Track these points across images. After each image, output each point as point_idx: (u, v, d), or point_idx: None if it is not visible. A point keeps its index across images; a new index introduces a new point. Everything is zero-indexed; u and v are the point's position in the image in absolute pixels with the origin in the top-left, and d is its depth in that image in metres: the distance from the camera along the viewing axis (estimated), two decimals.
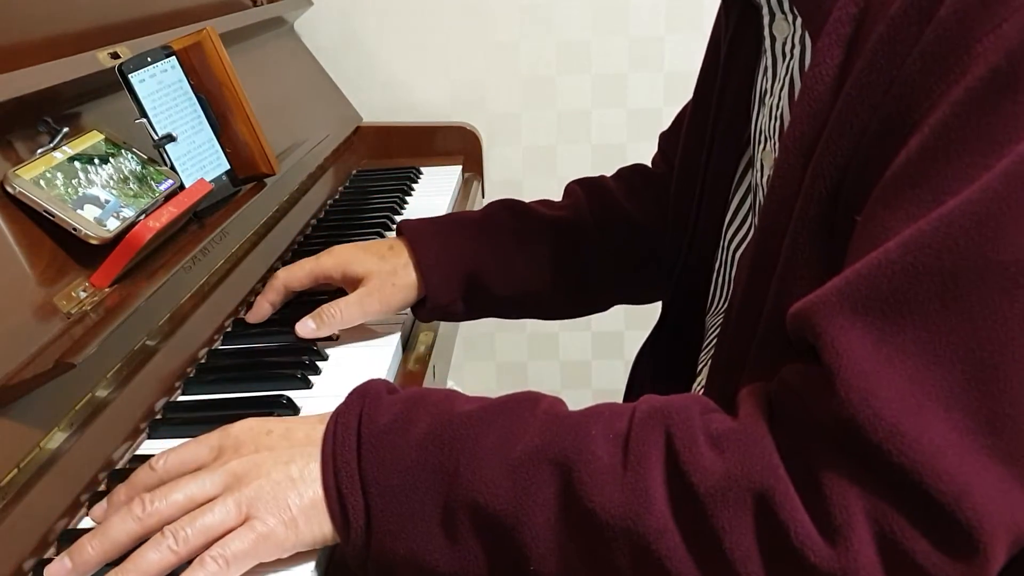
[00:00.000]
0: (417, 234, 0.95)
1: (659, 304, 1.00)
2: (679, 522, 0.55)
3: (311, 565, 0.61)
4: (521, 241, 0.97)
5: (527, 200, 1.03)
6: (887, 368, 0.52)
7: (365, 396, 0.63)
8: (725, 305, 0.83)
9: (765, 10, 0.73)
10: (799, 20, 0.68)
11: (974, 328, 0.50)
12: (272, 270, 1.09)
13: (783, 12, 0.70)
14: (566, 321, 1.05)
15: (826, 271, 0.57)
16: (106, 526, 0.60)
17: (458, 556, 0.59)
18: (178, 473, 0.63)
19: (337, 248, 0.96)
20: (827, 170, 0.58)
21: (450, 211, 1.39)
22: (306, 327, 0.90)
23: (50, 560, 0.62)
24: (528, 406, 0.61)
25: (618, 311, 1.87)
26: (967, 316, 0.50)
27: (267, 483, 0.60)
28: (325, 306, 0.91)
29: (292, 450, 0.61)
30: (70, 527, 0.67)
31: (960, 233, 0.50)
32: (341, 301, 0.92)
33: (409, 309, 0.96)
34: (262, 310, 0.96)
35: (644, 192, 1.03)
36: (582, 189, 1.04)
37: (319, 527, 0.60)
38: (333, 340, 0.92)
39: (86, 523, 0.67)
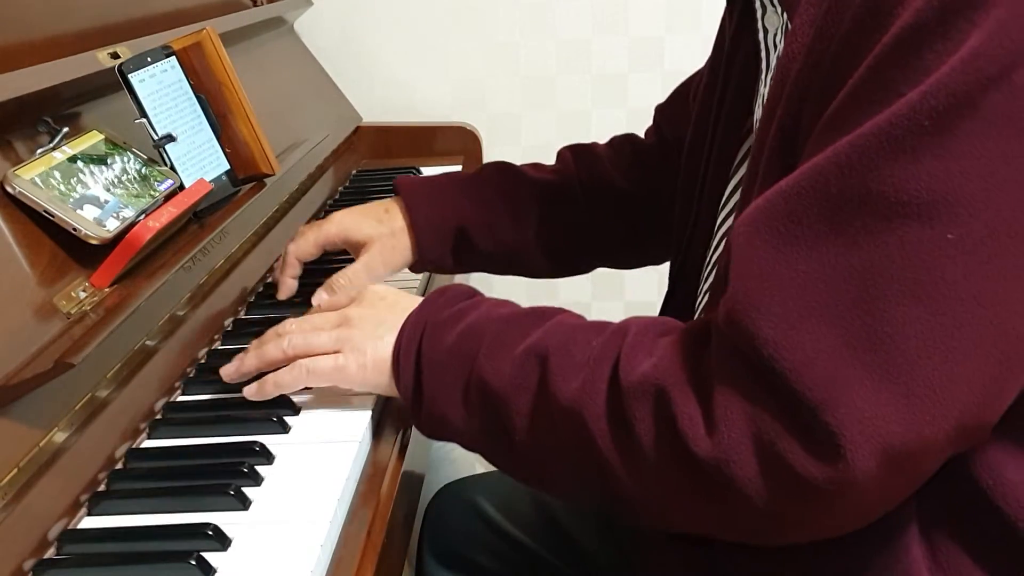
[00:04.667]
0: (411, 194, 1.03)
1: (659, 295, 1.00)
2: (609, 411, 0.64)
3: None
4: (508, 201, 1.05)
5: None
6: (776, 282, 0.57)
7: (444, 294, 0.78)
8: (709, 283, 0.84)
9: (757, 3, 0.75)
10: (785, 12, 0.71)
11: (858, 251, 0.55)
12: (272, 271, 1.09)
13: (772, 5, 0.73)
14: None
15: None
16: (263, 349, 0.80)
17: (470, 422, 0.72)
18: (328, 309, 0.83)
19: (337, 215, 1.03)
20: (780, 131, 0.63)
21: None
22: (319, 297, 0.97)
23: (50, 560, 0.63)
24: (548, 315, 0.73)
25: (618, 304, 1.89)
26: (851, 240, 0.55)
27: (360, 332, 0.78)
28: (334, 276, 0.98)
29: (390, 315, 0.78)
30: (70, 527, 0.67)
31: (846, 162, 0.55)
32: (348, 269, 0.99)
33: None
34: (290, 286, 1.02)
35: (633, 161, 1.09)
36: (572, 155, 1.09)
37: (381, 377, 0.77)
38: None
39: (86, 523, 0.68)
